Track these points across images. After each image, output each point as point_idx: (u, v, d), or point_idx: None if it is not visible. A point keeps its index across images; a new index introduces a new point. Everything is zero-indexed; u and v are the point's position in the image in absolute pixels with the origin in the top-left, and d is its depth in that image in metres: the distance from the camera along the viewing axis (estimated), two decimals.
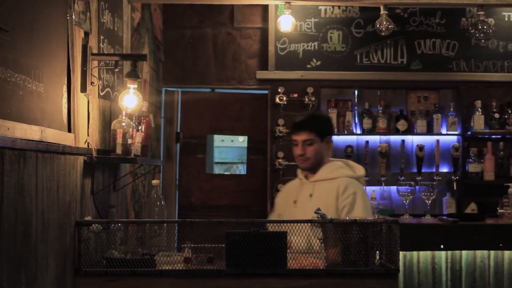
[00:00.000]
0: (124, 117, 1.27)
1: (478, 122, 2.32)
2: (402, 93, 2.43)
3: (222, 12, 2.38)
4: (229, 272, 1.12)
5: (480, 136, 2.36)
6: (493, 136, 2.36)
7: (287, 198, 1.44)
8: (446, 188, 2.36)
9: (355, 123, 2.39)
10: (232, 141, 3.07)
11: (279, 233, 1.13)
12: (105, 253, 1.13)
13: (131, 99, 1.25)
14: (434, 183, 2.11)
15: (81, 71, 1.16)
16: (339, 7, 2.36)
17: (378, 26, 2.00)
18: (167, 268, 1.13)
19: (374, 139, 2.40)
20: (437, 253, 1.88)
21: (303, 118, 1.44)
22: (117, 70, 1.31)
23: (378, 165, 2.38)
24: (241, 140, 2.95)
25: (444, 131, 2.39)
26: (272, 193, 2.31)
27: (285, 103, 2.35)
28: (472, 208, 2.25)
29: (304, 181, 1.42)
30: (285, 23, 2.07)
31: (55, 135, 1.00)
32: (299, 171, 1.46)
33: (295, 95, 2.37)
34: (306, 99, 2.35)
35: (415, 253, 1.87)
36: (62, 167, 1.04)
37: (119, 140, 1.24)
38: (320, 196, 1.37)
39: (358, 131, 2.39)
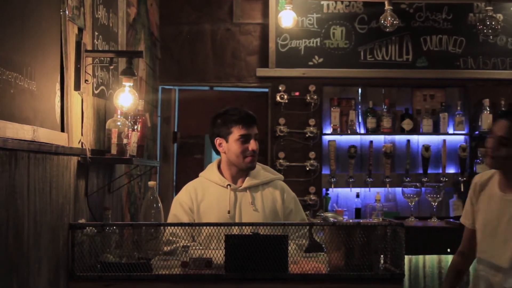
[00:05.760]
0: (119, 116, 1.24)
1: (486, 121, 2.27)
2: (407, 91, 2.38)
3: (220, 7, 2.34)
4: (228, 277, 1.08)
5: (488, 136, 2.31)
6: None
7: (210, 207, 1.25)
8: (453, 189, 2.32)
9: (359, 122, 2.35)
10: None
11: (280, 237, 1.10)
12: (99, 257, 1.10)
13: (126, 97, 1.21)
14: (441, 184, 2.08)
15: (74, 68, 1.12)
16: (342, 2, 2.32)
17: (382, 21, 1.96)
18: (163, 272, 1.10)
19: (378, 139, 2.36)
20: (443, 257, 1.85)
21: (240, 109, 1.27)
22: (112, 67, 1.29)
23: (383, 165, 2.34)
24: None
25: (451, 130, 2.34)
26: None
27: (286, 101, 2.31)
28: None
29: (233, 187, 1.26)
30: (286, 18, 2.04)
31: (47, 135, 0.97)
32: (217, 175, 1.27)
33: (297, 93, 2.33)
34: (308, 98, 2.31)
35: (421, 257, 1.84)
36: (55, 168, 1.01)
37: (114, 140, 1.21)
38: (266, 203, 1.27)
39: (362, 131, 2.34)
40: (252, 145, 1.27)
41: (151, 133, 2.01)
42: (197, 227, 1.19)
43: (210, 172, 1.31)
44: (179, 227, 1.16)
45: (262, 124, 2.35)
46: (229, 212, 1.26)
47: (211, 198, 1.29)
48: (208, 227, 1.14)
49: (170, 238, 1.21)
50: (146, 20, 1.97)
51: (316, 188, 2.30)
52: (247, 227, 1.13)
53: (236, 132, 1.27)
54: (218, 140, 1.29)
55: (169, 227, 1.17)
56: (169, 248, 1.21)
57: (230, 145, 1.28)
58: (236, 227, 1.14)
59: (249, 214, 1.27)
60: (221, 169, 1.31)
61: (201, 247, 1.16)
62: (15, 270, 0.86)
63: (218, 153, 1.32)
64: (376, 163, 2.34)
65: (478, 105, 2.33)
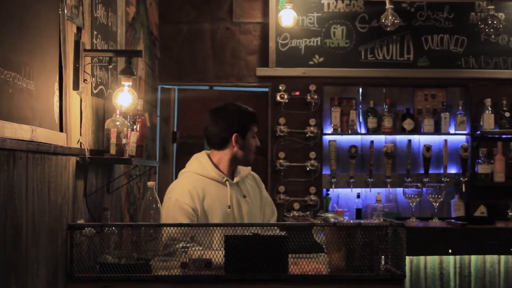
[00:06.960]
0: (118, 116, 1.23)
1: (488, 121, 2.27)
2: (408, 90, 2.38)
3: (220, 6, 2.33)
4: (227, 278, 1.08)
5: (490, 136, 2.32)
6: (504, 136, 2.31)
7: (213, 204, 1.27)
8: (455, 190, 2.31)
9: (360, 122, 2.34)
10: None
11: (280, 237, 1.09)
12: (98, 258, 1.10)
13: (125, 97, 1.20)
14: (442, 184, 2.06)
15: (73, 68, 1.12)
16: (342, 1, 2.31)
17: (383, 21, 1.95)
18: (163, 273, 1.09)
19: (379, 139, 2.35)
20: (445, 257, 1.84)
21: (247, 107, 1.33)
22: (111, 67, 1.27)
23: (384, 166, 2.33)
24: None
25: (452, 130, 2.34)
26: (273, 195, 2.26)
27: (287, 101, 2.30)
28: (481, 210, 2.21)
29: (230, 182, 1.29)
30: (287, 17, 2.03)
31: (46, 135, 0.96)
32: (214, 170, 1.29)
33: (297, 93, 2.32)
34: (308, 97, 2.30)
35: (422, 257, 1.83)
36: (53, 168, 1.01)
37: (113, 140, 1.20)
38: (252, 193, 1.32)
39: (363, 131, 2.34)
40: (257, 141, 1.35)
41: (150, 133, 2.00)
42: (203, 229, 1.17)
43: (203, 168, 1.31)
44: (179, 231, 1.15)
45: (262, 124, 2.33)
46: (229, 207, 1.28)
47: (212, 196, 1.30)
48: (212, 227, 1.13)
49: (169, 242, 1.21)
50: (145, 19, 1.96)
51: (316, 188, 2.30)
52: (246, 221, 1.15)
53: (253, 129, 1.32)
54: (235, 136, 1.30)
55: (166, 231, 1.15)
56: (167, 252, 1.21)
57: (247, 141, 1.31)
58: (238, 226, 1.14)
59: (245, 206, 1.30)
60: (216, 164, 1.32)
61: (200, 248, 1.15)
62: (14, 271, 0.85)
63: (220, 148, 1.31)
64: (377, 163, 2.33)
65: (480, 104, 2.32)
